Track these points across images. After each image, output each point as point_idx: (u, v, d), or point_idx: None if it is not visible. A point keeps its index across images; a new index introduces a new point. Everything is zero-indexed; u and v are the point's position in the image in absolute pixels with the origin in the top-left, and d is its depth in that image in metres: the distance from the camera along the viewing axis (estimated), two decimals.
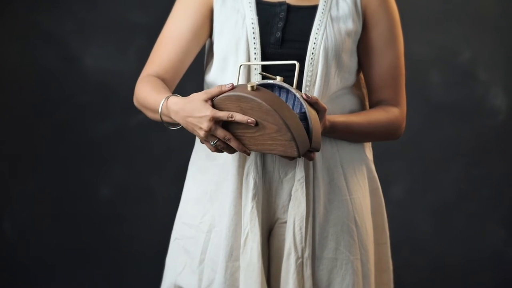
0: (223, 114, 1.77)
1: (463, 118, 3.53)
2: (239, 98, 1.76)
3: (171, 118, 1.88)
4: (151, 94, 1.94)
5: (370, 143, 2.08)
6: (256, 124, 1.77)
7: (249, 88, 1.76)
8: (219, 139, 1.80)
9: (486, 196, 3.55)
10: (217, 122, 1.79)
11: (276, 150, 1.78)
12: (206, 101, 1.80)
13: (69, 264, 3.52)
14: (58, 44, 3.46)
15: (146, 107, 1.96)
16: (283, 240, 1.95)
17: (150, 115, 1.97)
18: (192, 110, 1.81)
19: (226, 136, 1.79)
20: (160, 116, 1.90)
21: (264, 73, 1.87)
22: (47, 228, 3.50)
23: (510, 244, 3.56)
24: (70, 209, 3.50)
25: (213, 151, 1.84)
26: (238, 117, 1.77)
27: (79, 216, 3.51)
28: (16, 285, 3.51)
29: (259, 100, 1.74)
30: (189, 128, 1.83)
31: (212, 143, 1.81)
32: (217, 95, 1.79)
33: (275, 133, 1.76)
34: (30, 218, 3.49)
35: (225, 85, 1.80)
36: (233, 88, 1.79)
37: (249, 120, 1.76)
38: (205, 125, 1.79)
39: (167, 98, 1.87)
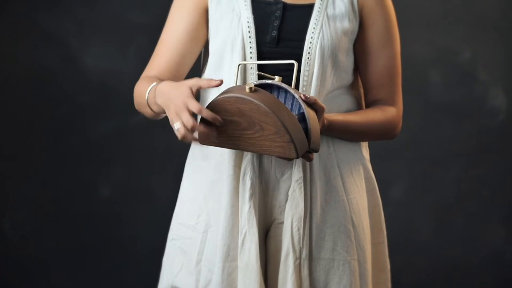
0: (194, 105, 1.75)
1: (463, 118, 3.53)
2: (237, 100, 1.75)
3: (156, 103, 1.85)
4: (144, 86, 1.93)
5: (367, 142, 2.07)
6: (252, 125, 1.76)
7: (247, 90, 1.75)
8: (183, 126, 1.76)
9: (486, 196, 3.54)
10: (191, 105, 1.75)
11: (274, 152, 1.77)
12: (191, 88, 1.78)
13: (69, 264, 3.52)
14: (58, 44, 3.46)
15: (140, 102, 1.96)
16: (281, 241, 1.94)
17: (145, 110, 1.96)
18: (176, 92, 1.79)
19: (190, 122, 1.75)
20: (147, 100, 1.88)
21: (262, 73, 1.86)
22: (47, 228, 3.50)
23: (510, 244, 3.55)
24: (70, 209, 3.51)
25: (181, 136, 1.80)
26: (205, 113, 1.75)
27: (79, 216, 3.51)
28: (16, 285, 3.51)
29: (257, 102, 1.73)
30: (166, 106, 1.81)
31: (176, 127, 1.77)
32: (204, 87, 1.79)
33: (273, 135, 1.75)
34: (30, 218, 3.49)
35: (215, 80, 1.79)
36: (221, 83, 1.78)
37: (217, 119, 1.75)
38: (178, 102, 1.76)
39: (158, 83, 1.87)
